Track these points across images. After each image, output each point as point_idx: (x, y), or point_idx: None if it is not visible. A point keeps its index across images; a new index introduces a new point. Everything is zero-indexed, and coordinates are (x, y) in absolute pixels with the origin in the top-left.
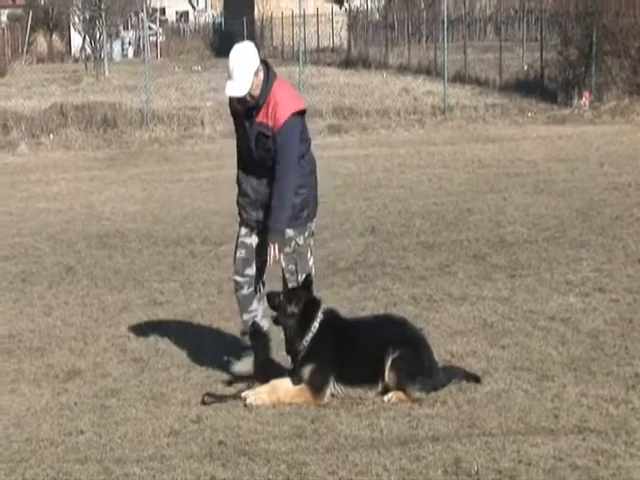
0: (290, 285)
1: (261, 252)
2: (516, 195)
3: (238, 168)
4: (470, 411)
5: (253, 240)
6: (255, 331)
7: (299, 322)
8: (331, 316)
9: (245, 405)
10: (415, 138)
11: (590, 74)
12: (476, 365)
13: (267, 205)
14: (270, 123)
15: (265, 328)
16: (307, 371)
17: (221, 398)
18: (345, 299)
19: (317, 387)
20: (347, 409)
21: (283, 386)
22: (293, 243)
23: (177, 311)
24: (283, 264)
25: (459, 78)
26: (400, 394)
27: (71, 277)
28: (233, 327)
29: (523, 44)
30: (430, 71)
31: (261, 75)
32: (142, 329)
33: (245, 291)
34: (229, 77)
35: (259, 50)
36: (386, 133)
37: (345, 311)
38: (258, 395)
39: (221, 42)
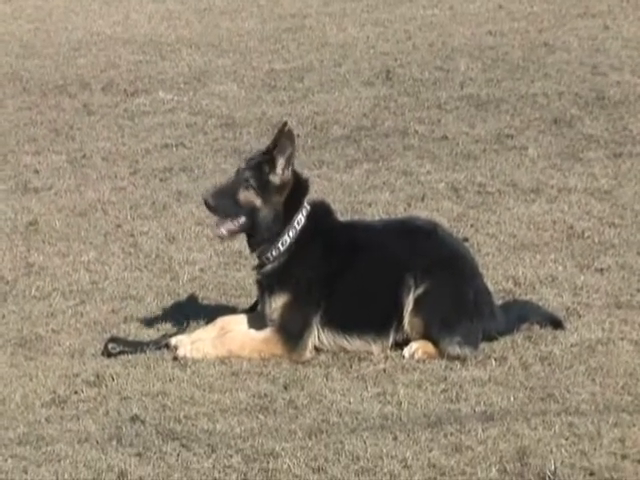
0: None
1: None
2: (625, 21)
3: None
4: (545, 375)
5: None
6: None
7: (285, 204)
8: (322, 212)
9: (176, 358)
10: None
11: None
12: (556, 299)
13: None
14: None
15: None
16: (278, 304)
17: (135, 346)
18: (342, 188)
19: (293, 332)
20: (342, 369)
21: (238, 330)
22: None
23: (62, 202)
24: None
25: None
26: (428, 346)
27: None
28: (155, 228)
29: None
30: None
31: None
32: (6, 230)
33: None
34: None
35: None
36: None
37: (340, 208)
38: (198, 344)
39: None
